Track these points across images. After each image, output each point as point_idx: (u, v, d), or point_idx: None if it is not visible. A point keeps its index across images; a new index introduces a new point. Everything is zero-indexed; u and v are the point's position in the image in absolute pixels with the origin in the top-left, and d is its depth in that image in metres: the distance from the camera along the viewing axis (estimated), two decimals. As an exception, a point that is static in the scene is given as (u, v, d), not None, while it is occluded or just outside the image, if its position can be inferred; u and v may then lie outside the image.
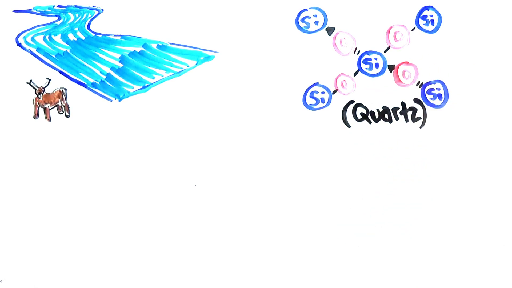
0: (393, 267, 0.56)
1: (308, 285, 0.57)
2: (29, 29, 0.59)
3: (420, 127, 0.59)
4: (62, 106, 0.59)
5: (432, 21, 0.60)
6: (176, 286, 0.57)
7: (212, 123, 0.59)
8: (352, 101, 0.59)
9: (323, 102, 0.59)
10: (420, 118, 0.59)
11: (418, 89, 0.60)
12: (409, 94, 0.59)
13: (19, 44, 0.59)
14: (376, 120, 0.59)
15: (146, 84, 0.59)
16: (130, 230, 0.57)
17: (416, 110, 0.59)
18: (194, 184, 0.58)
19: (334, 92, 0.59)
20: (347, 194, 0.57)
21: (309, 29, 0.60)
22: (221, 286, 0.57)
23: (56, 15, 0.60)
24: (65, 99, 0.59)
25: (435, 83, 0.60)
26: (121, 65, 0.59)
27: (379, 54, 0.60)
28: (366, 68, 0.60)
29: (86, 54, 0.59)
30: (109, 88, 0.59)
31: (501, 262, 0.57)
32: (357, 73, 0.60)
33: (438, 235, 0.57)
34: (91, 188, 0.58)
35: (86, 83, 0.59)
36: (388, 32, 0.60)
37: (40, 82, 0.59)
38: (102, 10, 0.60)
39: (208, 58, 0.59)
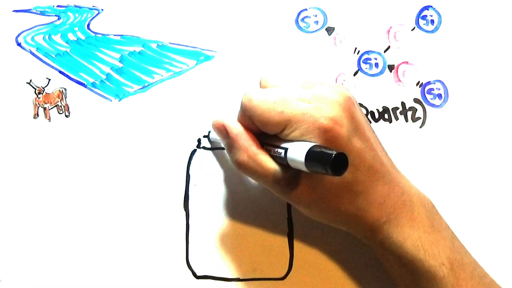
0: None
1: (308, 285, 0.57)
2: (29, 29, 0.59)
3: (420, 127, 0.59)
4: (62, 106, 0.59)
5: (432, 21, 0.60)
6: (176, 286, 0.57)
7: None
8: (352, 101, 0.59)
9: (323, 102, 0.59)
10: (420, 118, 0.59)
11: (418, 89, 0.60)
12: (409, 94, 0.60)
13: (19, 44, 0.59)
14: (376, 120, 0.59)
15: (146, 84, 0.59)
16: (131, 230, 0.57)
17: (416, 110, 0.59)
18: (194, 184, 0.58)
19: (334, 92, 0.59)
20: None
21: (309, 29, 0.60)
22: (220, 286, 0.57)
23: (56, 15, 0.60)
24: (65, 99, 0.59)
25: (435, 83, 0.60)
26: (121, 65, 0.59)
27: (379, 54, 0.60)
28: (366, 68, 0.60)
29: (86, 54, 0.59)
30: (109, 88, 0.59)
31: (501, 263, 0.57)
32: (357, 73, 0.60)
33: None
34: (91, 188, 0.58)
35: (86, 83, 0.59)
36: (388, 32, 0.60)
37: (40, 82, 0.59)
38: (102, 10, 0.60)
39: (208, 58, 0.59)
